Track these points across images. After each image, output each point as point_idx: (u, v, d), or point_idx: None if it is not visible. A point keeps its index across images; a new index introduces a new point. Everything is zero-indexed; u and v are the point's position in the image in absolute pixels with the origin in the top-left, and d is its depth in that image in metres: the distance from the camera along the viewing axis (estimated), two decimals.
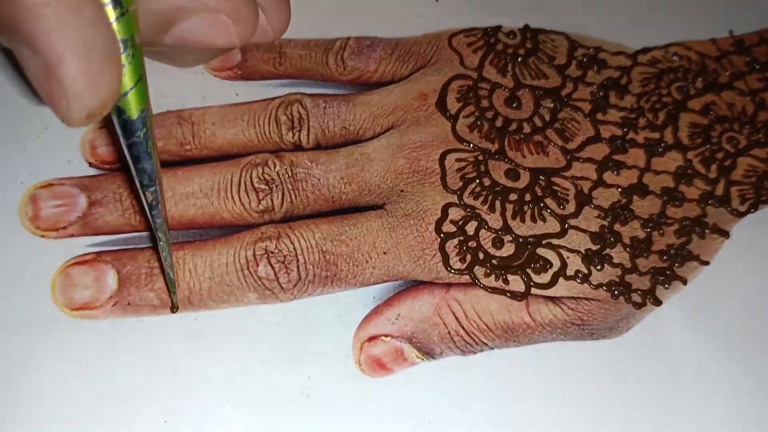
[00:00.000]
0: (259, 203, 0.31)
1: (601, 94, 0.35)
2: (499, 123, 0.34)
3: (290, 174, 0.31)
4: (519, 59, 0.36)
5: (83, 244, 0.29)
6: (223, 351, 0.28)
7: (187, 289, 0.29)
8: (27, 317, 0.28)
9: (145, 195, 0.23)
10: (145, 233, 0.30)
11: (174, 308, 0.28)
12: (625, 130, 0.35)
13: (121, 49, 0.20)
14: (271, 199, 0.31)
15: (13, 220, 0.29)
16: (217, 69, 0.34)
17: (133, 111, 0.21)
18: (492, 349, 0.29)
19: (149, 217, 0.24)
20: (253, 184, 0.31)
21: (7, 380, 0.26)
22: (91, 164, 0.31)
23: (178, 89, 0.33)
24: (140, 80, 0.21)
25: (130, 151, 0.22)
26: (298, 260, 0.29)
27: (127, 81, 0.20)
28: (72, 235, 0.29)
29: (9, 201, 0.30)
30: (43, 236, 0.29)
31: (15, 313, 0.28)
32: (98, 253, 0.29)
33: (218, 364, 0.28)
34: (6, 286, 0.28)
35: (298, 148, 0.33)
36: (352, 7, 0.37)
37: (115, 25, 0.19)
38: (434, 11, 0.37)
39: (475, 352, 0.29)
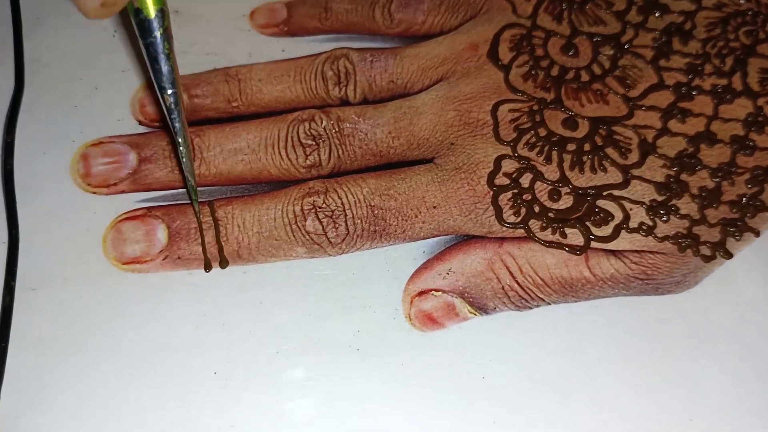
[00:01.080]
0: (306, 158, 0.30)
1: (663, 39, 0.33)
2: (554, 72, 0.32)
3: (337, 129, 0.31)
4: (575, 6, 0.34)
5: (133, 200, 0.29)
6: (271, 303, 0.27)
7: (236, 243, 0.28)
8: (79, 271, 0.28)
9: (163, 97, 0.24)
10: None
11: (200, 227, 0.28)
12: (690, 76, 0.32)
13: None
14: (318, 155, 0.30)
15: (65, 178, 0.30)
16: (262, 26, 0.34)
17: (150, 9, 0.22)
18: (549, 304, 0.28)
19: (168, 121, 0.25)
20: (300, 140, 0.30)
21: (61, 333, 0.27)
22: (140, 122, 0.31)
23: (224, 47, 0.33)
24: None
25: (147, 51, 0.22)
26: (346, 215, 0.29)
27: None
28: (123, 192, 0.30)
29: (61, 159, 0.30)
30: (94, 193, 0.29)
31: (68, 268, 0.28)
32: (149, 209, 0.29)
33: (267, 316, 0.27)
34: (59, 242, 0.28)
35: (344, 103, 0.32)
36: None
37: None
38: None
39: (530, 308, 0.28)
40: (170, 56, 0.23)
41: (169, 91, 0.24)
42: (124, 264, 0.28)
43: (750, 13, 0.35)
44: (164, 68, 0.23)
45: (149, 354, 0.26)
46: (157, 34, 0.22)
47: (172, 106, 0.24)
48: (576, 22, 0.34)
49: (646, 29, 0.34)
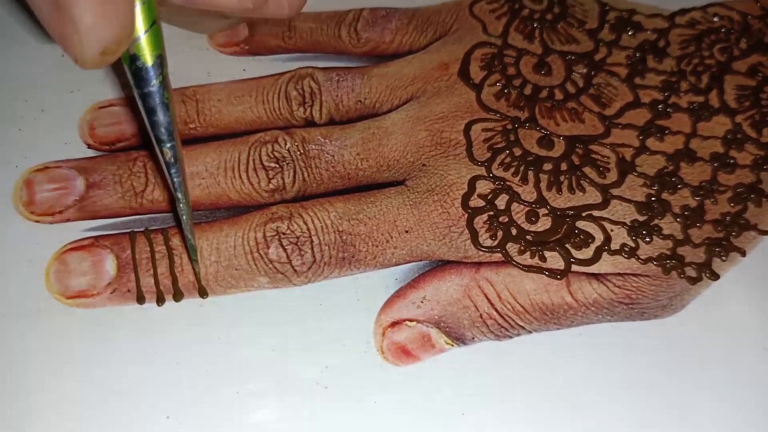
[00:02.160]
0: (269, 182, 0.28)
1: (638, 57, 0.33)
2: (528, 90, 0.31)
3: (302, 151, 0.29)
4: (547, 24, 0.33)
5: (80, 229, 0.27)
6: (230, 339, 0.25)
7: (192, 274, 0.26)
8: (20, 306, 0.25)
9: (162, 151, 0.21)
10: (145, 216, 0.27)
11: (200, 287, 0.26)
12: (666, 94, 0.32)
13: None
14: (282, 178, 0.28)
15: (6, 206, 0.27)
16: (223, 45, 0.32)
17: (148, 57, 0.19)
18: (529, 332, 0.26)
19: (167, 177, 0.22)
20: (262, 163, 0.28)
21: None
22: (89, 146, 0.29)
23: (181, 66, 0.31)
24: (155, 23, 0.19)
25: (144, 102, 0.20)
26: (312, 241, 0.27)
27: (142, 23, 0.19)
28: (68, 220, 0.27)
29: (3, 186, 0.28)
30: (38, 221, 0.27)
31: (8, 302, 0.25)
32: (96, 238, 0.27)
33: (225, 353, 0.25)
34: None
35: (310, 124, 0.30)
36: None
37: None
38: None
39: (510, 337, 0.26)
40: (169, 106, 0.20)
41: (169, 145, 0.21)
42: (68, 298, 0.26)
43: (723, 30, 0.34)
44: (163, 120, 0.21)
45: (96, 398, 0.24)
46: (156, 82, 0.20)
47: (172, 160, 0.22)
48: (548, 41, 0.33)
49: (620, 47, 0.33)
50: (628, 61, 0.33)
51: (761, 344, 0.26)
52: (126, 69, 0.20)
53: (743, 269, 0.28)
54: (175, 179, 0.22)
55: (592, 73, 0.32)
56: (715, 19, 0.35)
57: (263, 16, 0.25)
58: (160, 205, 0.28)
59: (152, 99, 0.20)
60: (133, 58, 0.19)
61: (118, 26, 0.18)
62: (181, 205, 0.23)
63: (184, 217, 0.24)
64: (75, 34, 0.18)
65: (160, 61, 0.20)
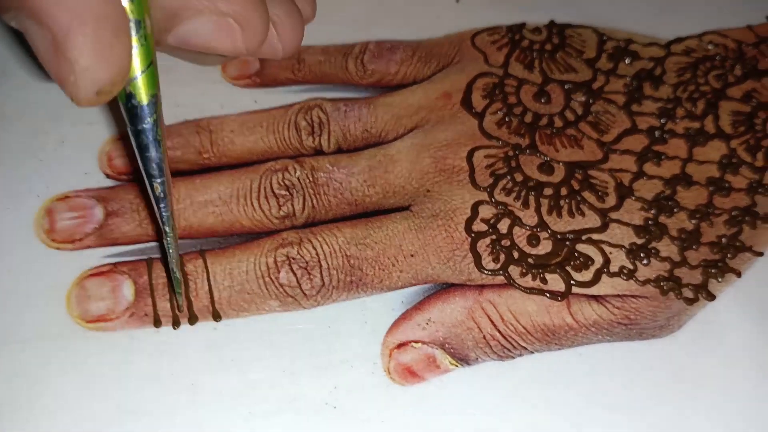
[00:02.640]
0: (280, 209, 0.29)
1: (635, 85, 0.34)
2: (528, 118, 0.32)
3: (311, 179, 0.30)
4: (546, 54, 0.35)
5: (99, 256, 0.28)
6: (243, 361, 0.26)
7: (206, 298, 0.27)
8: (42, 330, 0.26)
9: (152, 186, 0.22)
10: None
11: (180, 309, 0.27)
12: (663, 120, 0.33)
13: (133, 31, 0.19)
14: (292, 205, 0.29)
15: (29, 233, 0.28)
16: (235, 77, 0.33)
17: (143, 96, 0.20)
18: (532, 353, 0.27)
19: (156, 210, 0.23)
20: (273, 190, 0.30)
21: (21, 395, 0.25)
22: (108, 176, 0.30)
23: (195, 99, 0.32)
24: (151, 64, 0.20)
25: (137, 139, 0.21)
26: (321, 266, 0.28)
27: (138, 64, 0.20)
28: (88, 247, 0.28)
29: (25, 214, 0.29)
30: (58, 248, 0.28)
31: (30, 327, 0.26)
32: (115, 264, 0.28)
33: (239, 374, 0.26)
34: (22, 300, 0.27)
35: (318, 152, 0.32)
36: (372, 13, 0.36)
37: (127, 5, 0.19)
38: (455, 12, 0.36)
39: (513, 357, 0.27)
40: (161, 143, 0.21)
41: (159, 180, 0.22)
42: (88, 322, 0.27)
43: (718, 57, 0.35)
44: (155, 156, 0.21)
45: (114, 419, 0.25)
46: (150, 120, 0.21)
47: (162, 195, 0.23)
48: (547, 70, 0.34)
49: (617, 75, 0.34)
50: (626, 89, 0.34)
51: (758, 363, 0.27)
52: (121, 106, 0.21)
53: (739, 289, 0.29)
54: (163, 213, 0.23)
55: (591, 100, 0.33)
56: (710, 46, 0.36)
57: (259, 56, 0.26)
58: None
59: (145, 136, 0.21)
60: (129, 97, 0.20)
61: (113, 68, 0.19)
62: (168, 238, 0.24)
63: (171, 251, 0.25)
64: (71, 75, 0.18)
65: (155, 100, 0.21)
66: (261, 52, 0.25)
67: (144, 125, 0.21)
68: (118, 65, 0.19)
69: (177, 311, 0.27)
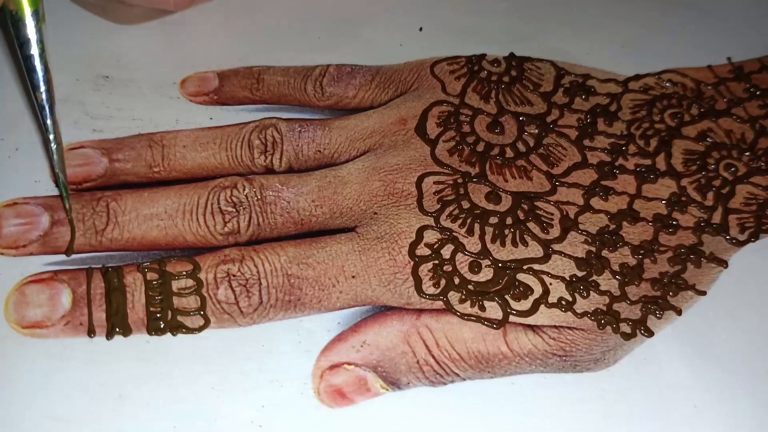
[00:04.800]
0: (225, 225, 0.30)
1: (588, 120, 0.34)
2: (480, 147, 0.33)
3: (259, 197, 0.30)
4: (503, 86, 0.35)
5: (41, 263, 0.28)
6: (173, 376, 0.26)
7: (142, 311, 0.27)
8: None
9: (35, 95, 0.25)
10: (103, 254, 0.29)
11: (71, 222, 0.29)
12: (614, 156, 0.33)
13: None
14: (237, 222, 0.30)
15: None
16: (192, 94, 0.34)
17: (26, 9, 0.23)
18: (464, 380, 0.27)
19: (40, 118, 0.26)
20: (220, 207, 0.30)
21: None
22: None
23: (150, 113, 0.33)
24: None
25: (21, 51, 0.24)
26: (260, 284, 0.28)
27: None
28: (31, 254, 0.29)
29: None
30: (2, 254, 0.28)
31: None
32: (55, 272, 0.28)
33: (167, 388, 0.26)
34: None
35: (269, 171, 0.32)
36: (335, 37, 0.37)
37: None
38: (417, 40, 0.37)
39: (445, 384, 0.27)
40: (43, 56, 0.24)
41: (42, 89, 0.25)
42: (24, 328, 0.27)
43: (676, 96, 0.36)
44: (37, 67, 0.24)
45: (38, 423, 0.25)
46: (33, 33, 0.24)
47: (45, 104, 0.25)
48: (503, 102, 0.35)
49: (572, 110, 0.35)
50: (579, 124, 0.34)
51: (691, 401, 0.27)
52: (8, 21, 0.23)
53: (679, 327, 0.29)
54: (47, 121, 0.26)
55: (543, 133, 0.33)
56: (668, 84, 0.36)
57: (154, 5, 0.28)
58: (118, 244, 0.29)
59: (28, 48, 0.24)
60: (12, 12, 0.23)
61: None
62: (53, 145, 0.27)
63: (55, 157, 0.27)
64: None
65: (36, 15, 0.23)
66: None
67: (26, 38, 0.24)
68: None
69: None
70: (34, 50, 0.24)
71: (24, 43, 0.24)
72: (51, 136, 0.26)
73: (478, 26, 0.39)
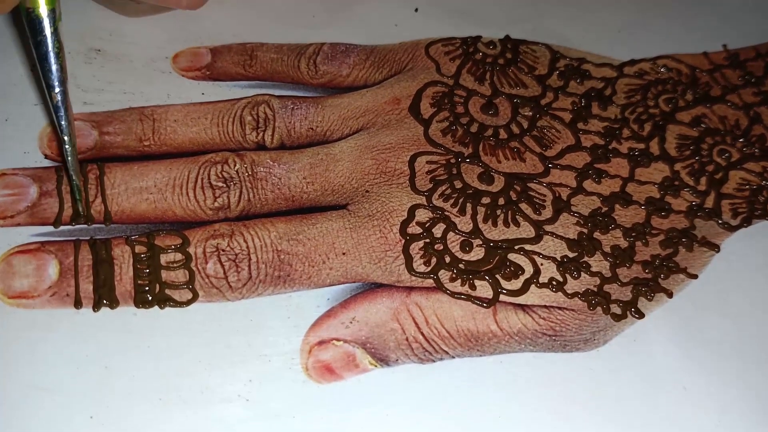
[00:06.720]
0: (215, 200, 0.29)
1: (582, 103, 0.34)
2: (474, 128, 0.32)
3: (250, 172, 0.30)
4: (498, 68, 0.35)
5: (29, 234, 0.28)
6: (159, 348, 0.26)
7: (130, 283, 0.27)
8: None
9: (50, 96, 0.25)
10: (91, 227, 0.29)
11: (86, 220, 0.28)
12: (607, 139, 0.33)
13: None
14: (228, 197, 0.29)
15: None
16: (184, 69, 0.34)
17: (42, 8, 0.23)
18: (453, 358, 0.27)
19: (55, 119, 0.25)
20: (210, 182, 0.30)
21: None
22: (46, 156, 0.30)
23: (142, 87, 0.32)
24: None
25: (37, 50, 0.23)
26: (250, 259, 0.28)
27: None
28: (19, 224, 0.28)
29: None
30: None
31: None
32: (42, 243, 0.28)
33: (153, 361, 0.26)
34: None
35: (260, 147, 0.32)
36: (330, 15, 0.37)
37: None
38: (413, 21, 0.37)
39: (433, 361, 0.27)
40: (60, 55, 0.24)
41: (57, 90, 0.25)
42: (10, 298, 0.27)
43: (670, 82, 0.36)
44: (53, 67, 0.24)
45: (23, 393, 0.24)
46: (48, 32, 0.23)
47: (60, 104, 0.25)
48: (497, 84, 0.34)
49: (567, 93, 0.35)
50: (573, 107, 0.34)
51: (680, 383, 0.27)
52: (24, 19, 0.23)
53: (669, 310, 0.29)
54: (62, 122, 0.26)
55: (537, 116, 0.33)
56: (663, 69, 0.36)
57: (165, 5, 0.29)
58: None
59: (44, 47, 0.24)
60: (29, 10, 0.23)
61: None
62: (67, 147, 0.26)
63: (70, 158, 0.27)
64: None
65: (53, 14, 0.23)
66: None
67: (41, 37, 0.23)
68: None
69: (78, 216, 0.28)
70: (51, 49, 0.24)
71: (40, 42, 0.24)
72: (66, 138, 0.26)
73: (474, 8, 0.39)
